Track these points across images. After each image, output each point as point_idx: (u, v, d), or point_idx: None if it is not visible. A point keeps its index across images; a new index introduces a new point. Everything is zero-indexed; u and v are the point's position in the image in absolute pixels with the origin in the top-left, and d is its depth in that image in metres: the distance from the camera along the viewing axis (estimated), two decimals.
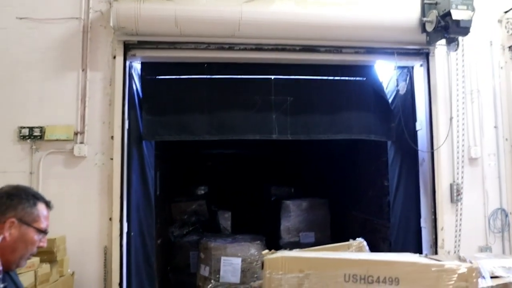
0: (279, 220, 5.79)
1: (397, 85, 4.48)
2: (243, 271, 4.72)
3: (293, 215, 5.81)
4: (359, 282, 2.25)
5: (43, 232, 1.85)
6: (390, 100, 4.56)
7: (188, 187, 6.48)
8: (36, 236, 1.82)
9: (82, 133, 3.98)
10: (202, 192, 6.70)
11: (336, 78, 4.46)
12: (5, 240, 1.74)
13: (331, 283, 2.22)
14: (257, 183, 6.73)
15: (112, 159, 3.97)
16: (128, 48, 4.05)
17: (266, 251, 3.43)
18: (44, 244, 1.85)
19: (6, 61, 4.02)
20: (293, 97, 4.33)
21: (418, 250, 4.11)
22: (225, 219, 6.16)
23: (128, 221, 4.00)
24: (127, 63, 4.07)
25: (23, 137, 3.95)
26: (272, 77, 4.35)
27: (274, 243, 5.19)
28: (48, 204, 1.88)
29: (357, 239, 3.19)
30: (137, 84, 4.23)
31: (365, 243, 3.16)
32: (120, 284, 3.86)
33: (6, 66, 4.01)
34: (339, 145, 5.77)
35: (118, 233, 3.89)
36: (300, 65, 4.36)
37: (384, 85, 4.62)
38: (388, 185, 4.64)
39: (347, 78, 4.49)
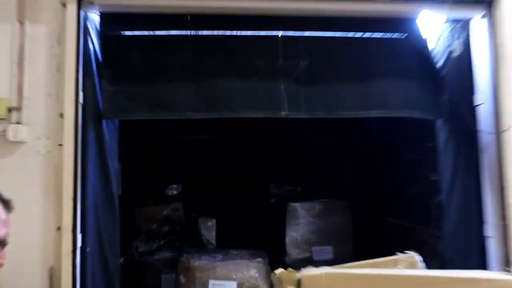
0: (284, 230, 5.74)
1: (449, 45, 4.45)
2: None
3: (302, 222, 5.81)
4: None
5: None
6: (439, 65, 4.53)
7: (156, 186, 6.42)
8: None
9: (19, 109, 3.89)
10: (175, 192, 6.67)
11: (367, 34, 4.43)
12: None
13: None
14: (250, 180, 6.68)
15: (61, 145, 3.89)
16: None
17: (281, 270, 3.41)
18: (2, 260, 1.70)
19: None
20: (308, 60, 4.29)
21: (483, 267, 4.09)
22: (208, 229, 6.14)
23: (82, 232, 3.94)
24: (81, 13, 4.00)
25: None
26: (280, 33, 4.31)
27: (277, 261, 5.12)
28: (4, 203, 1.78)
29: (406, 252, 3.16)
30: (95, 43, 4.17)
31: (418, 257, 3.14)
32: None
33: None
34: (363, 126, 5.72)
35: (70, 248, 3.81)
36: (317, 17, 4.31)
37: (431, 45, 4.56)
38: (437, 180, 4.59)
39: (381, 35, 4.46)
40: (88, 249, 3.95)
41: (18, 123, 3.86)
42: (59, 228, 3.82)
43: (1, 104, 3.86)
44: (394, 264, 3.06)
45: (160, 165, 6.36)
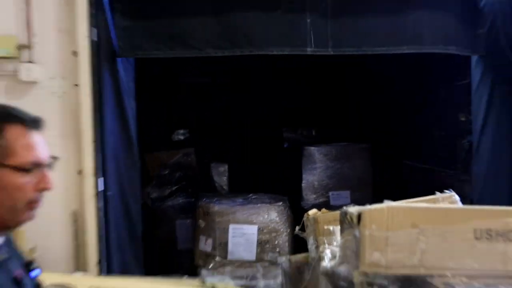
0: (300, 175, 5.72)
1: None
2: (260, 243, 4.73)
3: (319, 167, 5.78)
4: (495, 240, 2.24)
5: (26, 170, 1.74)
6: None
7: (165, 131, 6.39)
8: (18, 178, 1.73)
9: (29, 47, 3.79)
10: (182, 138, 6.64)
11: None
12: None
13: (456, 240, 2.22)
14: (261, 124, 6.64)
15: (77, 85, 3.83)
16: None
17: (314, 210, 3.39)
18: (46, 185, 1.77)
19: None
20: None
21: None
22: (220, 174, 6.12)
23: (102, 175, 3.92)
24: None
25: None
26: None
27: (293, 207, 5.11)
28: (28, 124, 1.77)
29: (445, 191, 3.11)
30: None
31: (457, 197, 3.09)
32: (100, 263, 3.85)
33: None
34: (383, 62, 5.61)
35: (92, 191, 3.83)
36: None
37: None
38: (466, 120, 4.53)
39: None
40: (109, 193, 3.97)
41: (29, 62, 3.76)
42: (80, 172, 3.81)
43: (10, 41, 3.75)
44: (435, 203, 3.02)
45: (169, 109, 6.31)
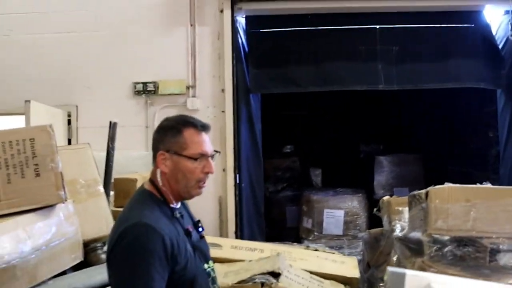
0: (372, 176, 5.75)
1: (508, 31, 4.29)
2: (345, 223, 4.83)
3: (386, 170, 5.78)
4: None
5: (195, 158, 1.74)
6: (500, 47, 4.42)
7: (277, 144, 6.53)
8: (190, 164, 1.74)
9: (193, 87, 4.18)
10: (289, 150, 6.76)
11: (443, 25, 4.38)
12: (165, 173, 1.76)
13: (499, 211, 2.23)
14: (344, 141, 6.71)
15: (223, 111, 4.16)
16: (235, 1, 4.16)
17: (387, 197, 3.49)
18: (209, 169, 1.78)
19: (118, 20, 4.23)
20: (398, 46, 4.31)
21: None
22: (316, 176, 6.24)
23: (238, 172, 4.14)
24: (234, 17, 4.19)
25: (138, 92, 4.16)
26: (377, 26, 4.33)
27: (367, 199, 5.17)
28: (198, 127, 1.79)
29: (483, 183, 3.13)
30: (242, 38, 4.35)
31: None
32: (236, 232, 4.06)
33: (119, 25, 4.26)
34: (432, 97, 5.63)
35: (232, 183, 4.10)
36: (404, 13, 4.34)
37: (493, 31, 4.44)
38: (494, 135, 4.51)
39: (454, 25, 4.38)
40: (243, 185, 4.20)
41: (193, 96, 4.15)
42: (224, 170, 4.09)
43: (182, 83, 4.17)
44: None
45: (281, 130, 6.47)
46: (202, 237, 1.86)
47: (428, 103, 6.20)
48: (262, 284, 2.49)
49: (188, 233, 1.74)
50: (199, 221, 1.90)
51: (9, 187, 2.12)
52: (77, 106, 4.20)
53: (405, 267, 2.90)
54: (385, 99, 6.36)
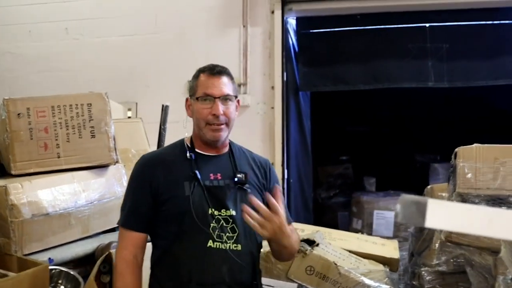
0: (427, 183, 5.67)
1: None
2: (396, 225, 4.78)
3: (441, 178, 5.67)
4: None
5: (201, 99, 1.84)
6: None
7: (330, 152, 6.57)
8: (198, 105, 1.85)
9: (244, 84, 4.36)
10: (344, 158, 6.75)
11: (495, 22, 4.36)
12: (191, 118, 1.94)
13: None
14: (399, 150, 6.65)
15: (273, 108, 4.32)
16: (285, 2, 4.33)
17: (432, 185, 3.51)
18: (215, 111, 1.83)
19: (176, 23, 4.53)
20: (449, 43, 4.33)
21: None
22: (371, 185, 6.18)
23: (287, 168, 4.24)
24: (284, 18, 4.37)
25: None
26: (427, 24, 4.37)
27: None
28: (212, 72, 1.88)
29: None
30: (292, 38, 4.53)
31: None
32: None
33: (177, 28, 4.53)
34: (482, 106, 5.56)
35: (280, 176, 4.16)
36: (454, 10, 4.36)
37: None
38: None
39: (506, 21, 4.35)
40: (291, 180, 4.31)
41: (244, 93, 4.34)
42: (272, 164, 4.14)
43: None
44: None
45: (336, 139, 6.49)
46: (240, 187, 1.86)
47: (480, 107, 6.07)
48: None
49: (194, 176, 1.82)
50: (243, 173, 1.90)
51: (68, 146, 2.39)
52: (136, 103, 4.51)
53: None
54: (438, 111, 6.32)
